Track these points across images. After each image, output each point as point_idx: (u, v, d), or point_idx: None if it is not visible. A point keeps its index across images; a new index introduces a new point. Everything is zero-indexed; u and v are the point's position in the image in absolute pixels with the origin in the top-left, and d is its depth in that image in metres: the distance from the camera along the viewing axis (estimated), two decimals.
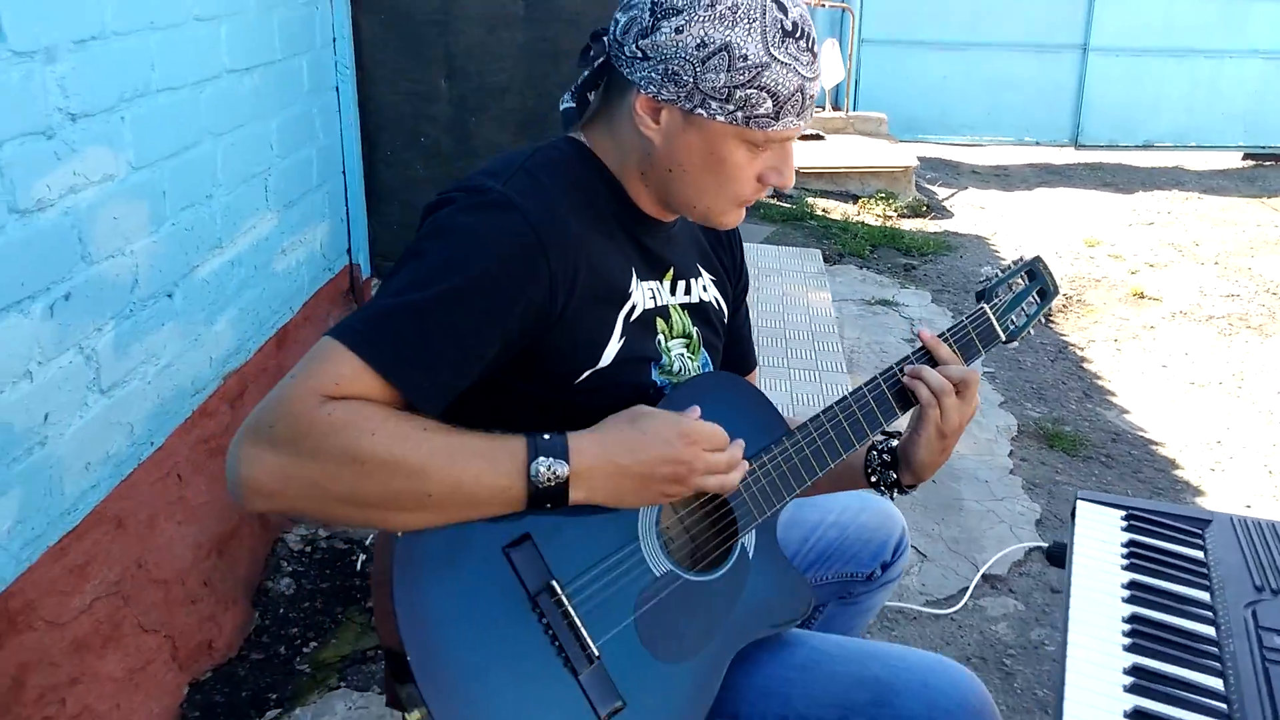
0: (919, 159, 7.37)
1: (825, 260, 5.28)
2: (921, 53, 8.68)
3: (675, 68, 1.14)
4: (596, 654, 1.11)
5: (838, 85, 8.13)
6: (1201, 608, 1.32)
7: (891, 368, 1.39)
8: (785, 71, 1.13)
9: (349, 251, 3.21)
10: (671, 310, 1.33)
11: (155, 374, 2.10)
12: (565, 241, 1.15)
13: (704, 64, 1.13)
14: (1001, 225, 6.45)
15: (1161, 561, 1.41)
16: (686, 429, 1.15)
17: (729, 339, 1.48)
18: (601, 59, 1.23)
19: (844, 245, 5.68)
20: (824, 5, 8.23)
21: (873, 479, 1.46)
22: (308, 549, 2.53)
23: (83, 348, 1.86)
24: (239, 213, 2.46)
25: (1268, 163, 8.67)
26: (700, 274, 1.39)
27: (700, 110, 1.15)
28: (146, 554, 2.04)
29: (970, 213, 6.78)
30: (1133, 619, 1.28)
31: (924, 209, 6.69)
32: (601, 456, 1.11)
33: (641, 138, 1.20)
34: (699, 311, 1.38)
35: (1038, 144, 8.83)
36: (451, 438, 1.06)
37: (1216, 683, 1.18)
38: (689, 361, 1.35)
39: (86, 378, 1.88)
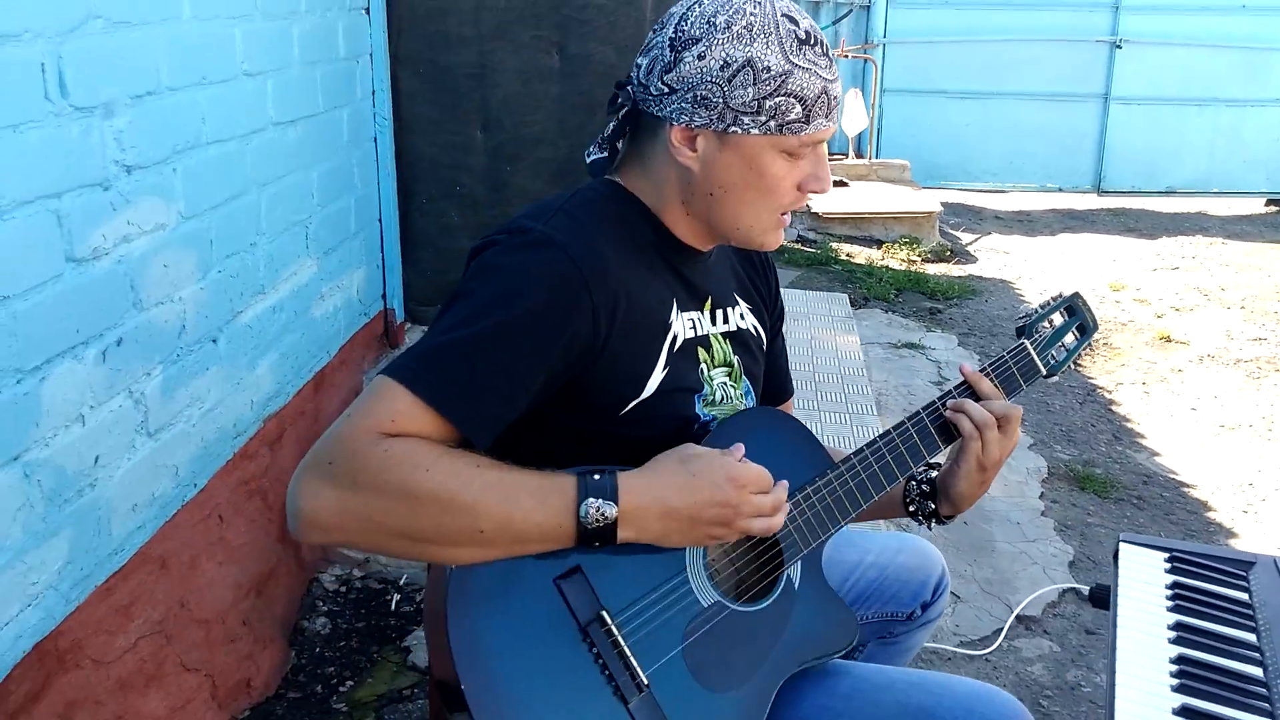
0: (942, 204, 7.41)
1: (851, 304, 5.31)
2: (943, 102, 8.76)
3: (704, 93, 1.19)
4: (646, 683, 1.13)
5: (860, 133, 8.22)
6: (1248, 648, 1.32)
7: (933, 402, 1.42)
8: (807, 76, 1.19)
9: (384, 297, 3.27)
10: (713, 339, 1.36)
11: (199, 417, 2.15)
12: (606, 275, 1.19)
13: (730, 83, 1.18)
14: (1025, 269, 6.46)
15: (1206, 603, 1.41)
16: (734, 473, 1.17)
17: (767, 367, 1.51)
18: (627, 107, 1.28)
19: (869, 289, 5.71)
20: (847, 56, 8.35)
21: (911, 508, 1.48)
22: (343, 589, 2.55)
23: (132, 392, 1.91)
24: (281, 260, 2.52)
25: None
26: (738, 302, 1.43)
27: (735, 128, 1.20)
28: (189, 594, 2.07)
29: (994, 257, 6.80)
30: (1180, 659, 1.28)
31: (948, 254, 6.72)
32: (650, 497, 1.13)
33: (680, 168, 1.25)
34: (738, 339, 1.41)
35: (1060, 190, 8.86)
36: (504, 474, 1.09)
37: None
38: (731, 390, 1.37)
39: (135, 421, 1.92)
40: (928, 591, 1.62)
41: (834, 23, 8.67)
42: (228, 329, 2.26)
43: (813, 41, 1.21)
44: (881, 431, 1.40)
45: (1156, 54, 8.53)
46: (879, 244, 6.78)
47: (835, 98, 1.23)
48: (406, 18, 3.12)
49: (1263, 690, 1.24)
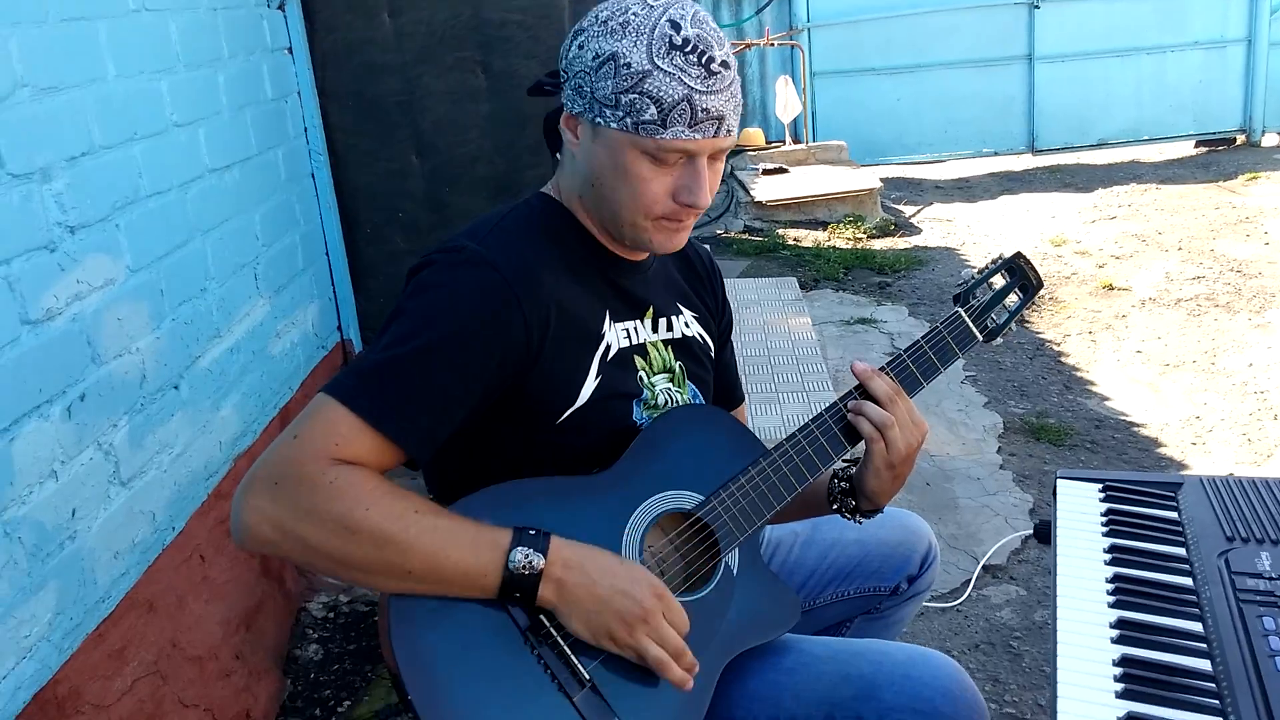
0: (882, 180, 7.55)
1: (802, 287, 5.41)
2: (873, 79, 8.91)
3: (579, 81, 1.24)
4: (588, 678, 1.17)
5: (795, 119, 8.34)
6: (1178, 562, 1.40)
7: (836, 403, 1.42)
8: (669, 80, 1.19)
9: (339, 328, 3.31)
10: (649, 347, 1.40)
11: (170, 462, 2.19)
12: (537, 290, 1.24)
13: (596, 73, 1.22)
14: (969, 235, 6.60)
15: (1138, 524, 1.49)
16: (661, 587, 1.20)
17: (717, 375, 1.55)
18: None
19: (819, 271, 5.82)
20: (774, 44, 8.48)
21: (834, 506, 1.49)
22: (331, 615, 2.60)
23: (100, 444, 1.95)
24: (233, 302, 2.56)
25: (1220, 147, 8.90)
26: (681, 311, 1.47)
27: (599, 119, 1.23)
28: (179, 633, 2.11)
29: (937, 226, 6.93)
30: (1115, 578, 1.36)
31: (892, 228, 6.85)
32: (576, 565, 1.17)
33: (574, 159, 1.30)
34: (682, 346, 1.45)
35: (996, 154, 9.03)
36: (440, 521, 1.15)
37: (1196, 626, 1.26)
38: (676, 394, 1.42)
39: (107, 472, 1.96)
40: (913, 565, 1.65)
41: (756, 12, 8.79)
42: (188, 374, 2.30)
43: (689, 49, 1.20)
44: (801, 425, 1.41)
45: (1074, 9, 8.73)
46: (824, 225, 6.90)
47: (705, 111, 1.20)
48: (330, 53, 3.17)
49: (1193, 597, 1.32)
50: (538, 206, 1.36)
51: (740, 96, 1.27)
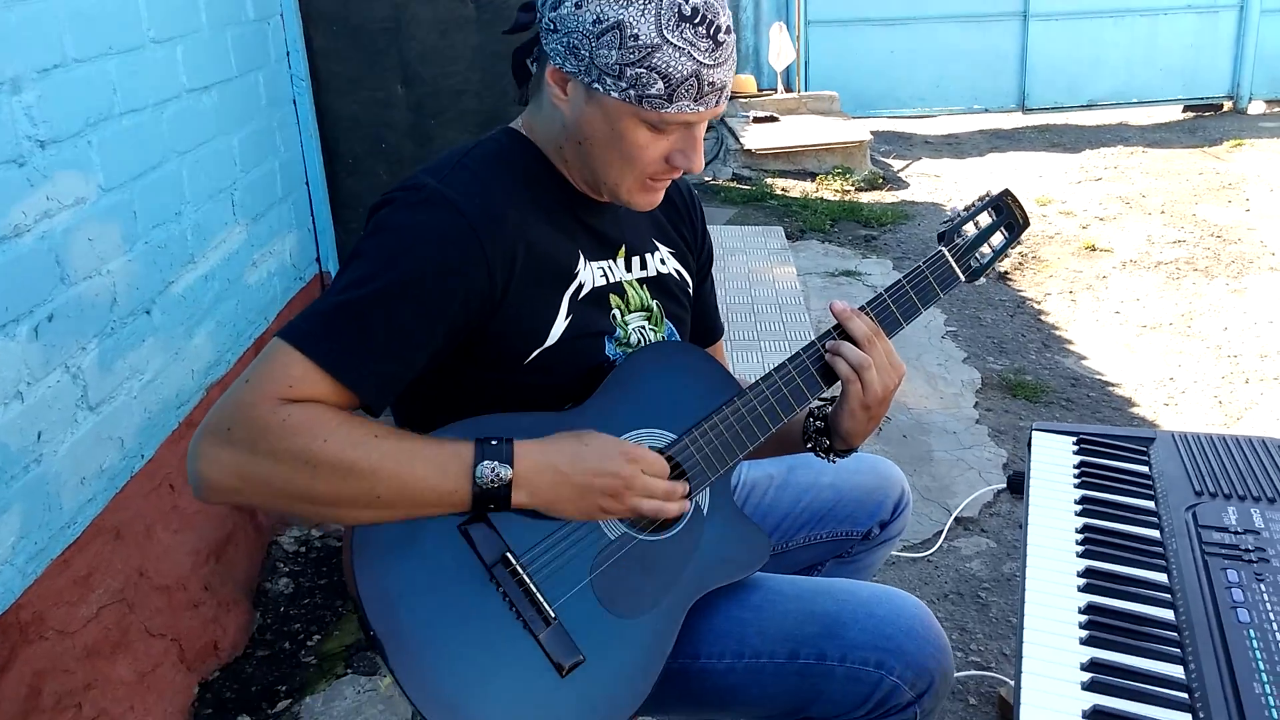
0: (872, 133, 7.49)
1: (788, 237, 5.39)
2: (867, 30, 8.80)
3: (575, 41, 1.17)
4: (553, 615, 1.17)
5: (788, 67, 8.24)
6: (1147, 514, 1.41)
7: (814, 343, 1.39)
8: (678, 55, 1.14)
9: (318, 260, 3.27)
10: (626, 286, 1.37)
11: (140, 389, 2.16)
12: (501, 228, 1.21)
13: (598, 40, 1.15)
14: (956, 191, 6.58)
15: (1109, 477, 1.50)
16: (629, 449, 1.21)
17: (695, 309, 1.53)
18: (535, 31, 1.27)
19: (805, 221, 5.79)
20: None
21: (808, 445, 1.47)
22: (302, 549, 2.59)
23: (69, 367, 1.92)
24: (208, 228, 2.52)
25: (1206, 113, 8.88)
26: (657, 248, 1.44)
27: (597, 86, 1.17)
28: (146, 562, 2.10)
29: (925, 182, 6.91)
30: (1085, 529, 1.37)
31: (880, 181, 6.81)
32: (544, 462, 1.16)
33: (556, 110, 1.25)
34: (658, 284, 1.42)
35: (986, 111, 8.98)
36: (402, 443, 1.13)
37: (1161, 576, 1.27)
38: (651, 334, 1.40)
39: (75, 396, 1.94)
40: (886, 511, 1.65)
41: None
42: (160, 300, 2.26)
43: (698, 20, 1.14)
44: (777, 364, 1.38)
45: None
46: (812, 176, 6.85)
47: (710, 84, 1.17)
48: None
49: (1159, 549, 1.33)
50: (506, 143, 1.31)
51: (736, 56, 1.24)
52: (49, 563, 1.83)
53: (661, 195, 1.31)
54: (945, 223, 1.52)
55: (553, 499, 1.18)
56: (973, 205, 1.55)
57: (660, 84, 1.15)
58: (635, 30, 1.14)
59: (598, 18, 1.15)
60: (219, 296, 2.55)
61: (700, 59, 1.15)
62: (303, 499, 1.10)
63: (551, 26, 1.20)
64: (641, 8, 1.14)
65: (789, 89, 8.34)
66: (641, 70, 1.15)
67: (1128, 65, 8.90)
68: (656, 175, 1.25)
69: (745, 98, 8.16)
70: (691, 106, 1.18)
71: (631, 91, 1.16)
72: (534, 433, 1.23)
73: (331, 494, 1.10)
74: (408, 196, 1.21)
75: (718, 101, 1.21)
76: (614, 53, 1.15)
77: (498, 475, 1.13)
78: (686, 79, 1.15)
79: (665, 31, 1.14)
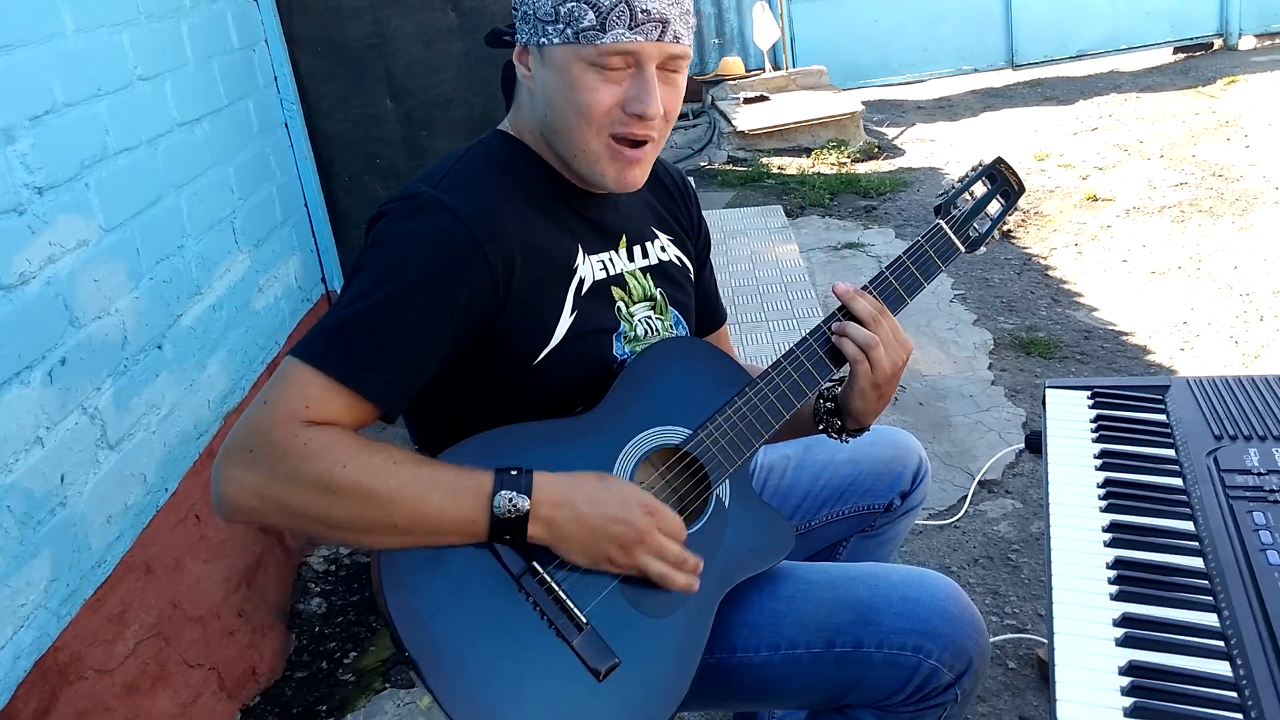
0: (864, 103, 7.46)
1: (788, 214, 5.38)
2: (850, 2, 8.76)
3: (525, 10, 1.22)
4: (585, 621, 1.17)
5: (775, 45, 8.21)
6: (1168, 463, 1.41)
7: (820, 326, 1.40)
8: None
9: (324, 280, 3.28)
10: (628, 277, 1.38)
11: (158, 423, 2.18)
12: (499, 230, 1.21)
13: None
14: (952, 154, 6.55)
15: (1127, 429, 1.50)
16: (649, 501, 1.20)
17: (697, 296, 1.53)
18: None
19: (804, 198, 5.78)
20: None
21: (820, 426, 1.47)
22: (332, 568, 2.61)
23: (85, 408, 1.93)
24: (212, 258, 2.53)
25: (1197, 53, 8.81)
26: (657, 236, 1.44)
27: (542, 39, 1.21)
28: (179, 594, 2.12)
29: (921, 147, 6.87)
30: (1106, 483, 1.37)
31: (876, 151, 6.79)
32: (562, 498, 1.16)
33: (529, 95, 1.27)
34: (661, 272, 1.43)
35: (976, 70, 8.93)
36: (420, 469, 1.13)
37: (1188, 525, 1.27)
38: (658, 322, 1.40)
39: (94, 436, 1.95)
40: (905, 481, 1.64)
41: None
42: (170, 333, 2.28)
43: None
44: (785, 351, 1.39)
45: None
46: (808, 152, 6.83)
47: (645, 11, 1.17)
48: None
49: (1183, 497, 1.33)
50: (496, 144, 1.32)
51: (689, 5, 1.24)
52: (82, 603, 1.85)
53: (641, 170, 1.28)
54: (940, 195, 1.53)
55: (565, 536, 1.17)
56: (966, 176, 1.55)
57: (590, 14, 1.17)
58: None
59: None
60: (228, 325, 2.57)
61: None
62: (321, 522, 1.11)
63: (515, 12, 1.25)
64: None
65: (776, 67, 8.31)
66: (572, 5, 1.17)
67: (1114, 11, 8.83)
68: (619, 133, 1.23)
69: (734, 80, 8.13)
70: (628, 35, 1.17)
71: (568, 30, 1.18)
72: (550, 440, 1.24)
73: (349, 519, 1.11)
74: (403, 206, 1.22)
75: (660, 35, 1.19)
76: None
77: (515, 506, 1.13)
78: (615, 6, 1.16)
79: None
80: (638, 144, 1.24)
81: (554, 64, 1.21)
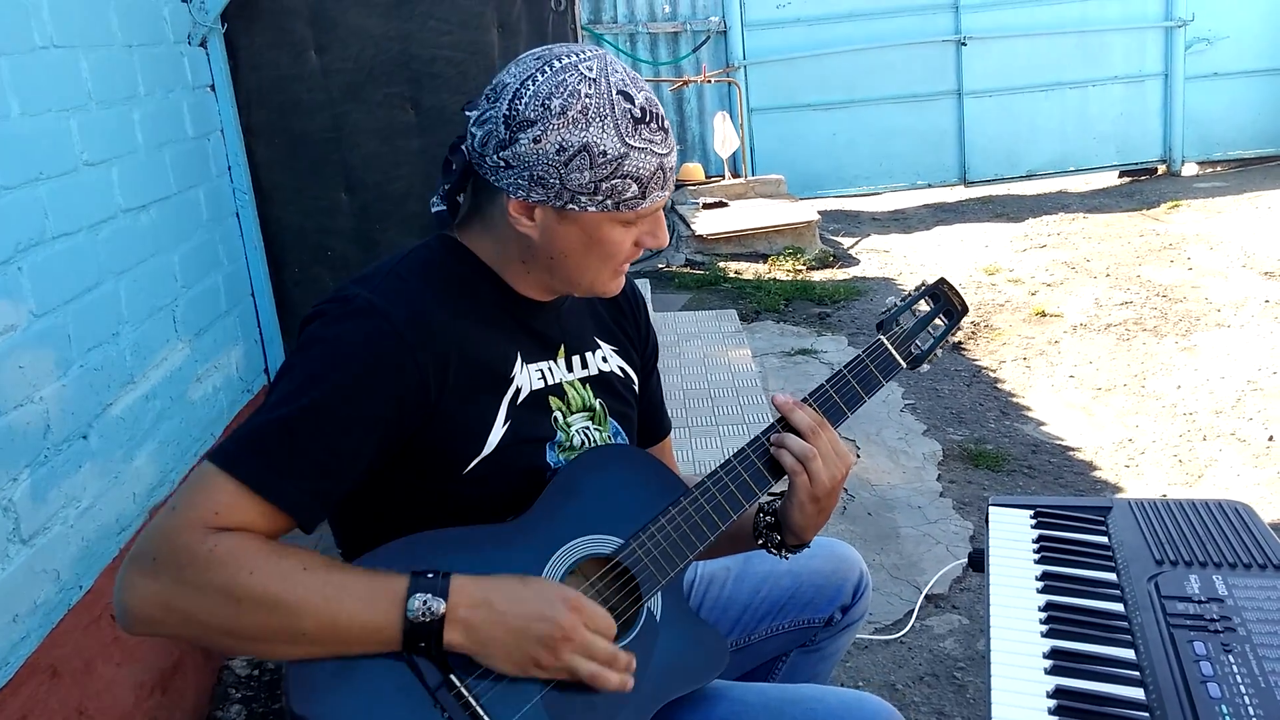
0: (820, 213, 7.63)
1: (742, 319, 5.42)
2: (809, 115, 9.05)
3: (540, 173, 1.18)
4: None
5: (734, 154, 8.42)
6: (1109, 587, 1.39)
7: (758, 437, 1.38)
8: (643, 156, 1.19)
9: (266, 371, 3.22)
10: (566, 387, 1.35)
11: (77, 517, 2.08)
12: (431, 336, 1.19)
13: (567, 166, 1.17)
14: (905, 265, 6.69)
15: (1069, 550, 1.48)
16: (572, 597, 1.15)
17: (642, 406, 1.50)
18: (463, 167, 1.27)
19: (759, 303, 5.84)
20: (711, 81, 8.56)
21: (760, 541, 1.43)
22: (255, 672, 2.49)
23: None
24: (148, 347, 2.47)
25: (1142, 177, 9.18)
26: (599, 346, 1.42)
27: (572, 206, 1.20)
28: (86, 700, 2.00)
29: (875, 257, 7.01)
30: (1048, 606, 1.35)
31: (831, 259, 6.91)
32: (480, 600, 1.11)
33: (519, 235, 1.24)
34: (601, 382, 1.40)
35: (929, 186, 9.20)
36: (331, 575, 1.09)
37: (1128, 653, 1.24)
38: (596, 433, 1.37)
39: (6, 530, 1.86)
40: (846, 595, 1.62)
41: (694, 50, 8.89)
42: (98, 423, 2.20)
43: (648, 118, 1.19)
44: (722, 461, 1.36)
45: (999, 47, 8.97)
46: (764, 258, 6.94)
47: (671, 169, 1.23)
48: (254, 90, 3.11)
49: (1124, 624, 1.31)
50: (439, 250, 1.29)
51: None
52: None
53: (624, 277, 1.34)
54: (884, 312, 1.54)
55: (485, 640, 1.11)
56: (909, 295, 1.57)
57: (634, 187, 1.20)
58: (602, 148, 1.17)
59: (560, 147, 1.17)
60: (161, 415, 2.49)
61: (660, 152, 1.21)
62: (227, 633, 1.06)
63: (504, 164, 1.20)
64: (600, 126, 1.17)
65: (735, 174, 8.50)
66: (616, 181, 1.18)
67: (1062, 135, 9.19)
68: (630, 258, 1.29)
69: (694, 185, 8.30)
70: (660, 195, 1.24)
71: (608, 201, 1.20)
72: (475, 545, 1.19)
73: (256, 629, 1.05)
74: (336, 308, 1.19)
75: (674, 179, 1.27)
76: (586, 173, 1.18)
77: (429, 609, 1.08)
78: (654, 174, 1.21)
79: (628, 139, 1.18)
80: None
81: (580, 224, 1.22)
